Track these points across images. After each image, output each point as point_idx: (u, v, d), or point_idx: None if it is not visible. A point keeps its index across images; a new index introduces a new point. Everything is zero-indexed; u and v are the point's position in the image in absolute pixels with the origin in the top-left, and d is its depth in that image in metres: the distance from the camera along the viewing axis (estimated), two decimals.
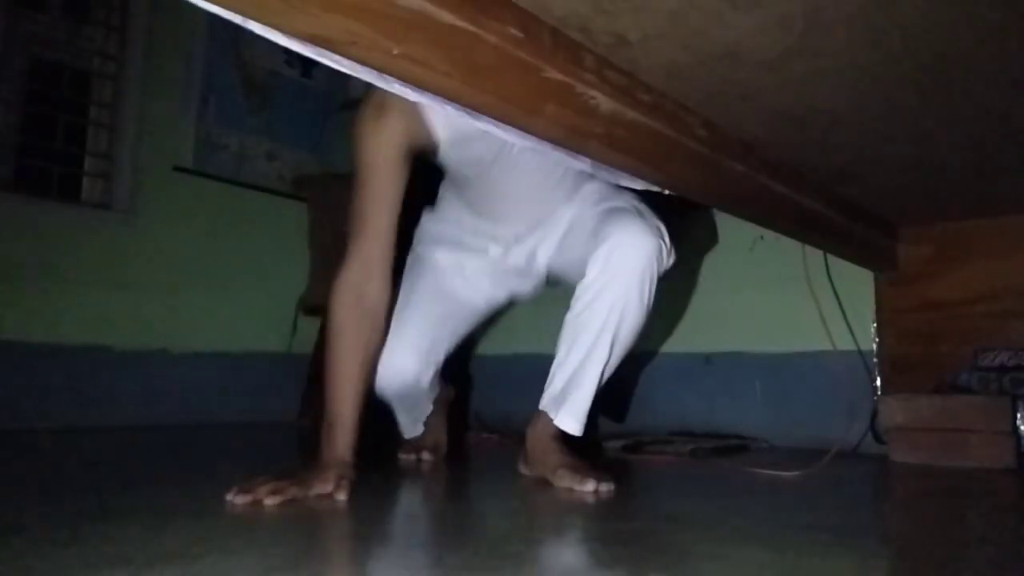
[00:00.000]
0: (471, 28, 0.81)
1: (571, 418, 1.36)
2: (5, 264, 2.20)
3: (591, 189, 1.51)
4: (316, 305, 2.40)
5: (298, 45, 0.76)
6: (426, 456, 1.63)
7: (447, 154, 1.40)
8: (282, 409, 2.66)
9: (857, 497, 1.41)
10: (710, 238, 2.29)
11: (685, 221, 2.21)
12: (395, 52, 0.76)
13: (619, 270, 1.32)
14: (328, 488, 1.10)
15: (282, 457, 1.86)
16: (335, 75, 3.45)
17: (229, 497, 1.02)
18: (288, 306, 2.73)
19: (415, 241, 1.64)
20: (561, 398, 1.36)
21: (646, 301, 1.34)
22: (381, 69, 0.80)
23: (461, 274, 1.59)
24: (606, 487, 1.24)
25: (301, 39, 0.74)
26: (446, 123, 1.32)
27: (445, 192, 1.66)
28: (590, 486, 1.24)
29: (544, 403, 1.39)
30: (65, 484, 1.27)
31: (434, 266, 1.59)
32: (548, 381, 1.40)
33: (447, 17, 0.78)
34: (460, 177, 1.52)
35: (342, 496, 1.09)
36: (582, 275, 1.37)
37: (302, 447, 2.05)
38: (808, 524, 1.03)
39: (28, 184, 2.35)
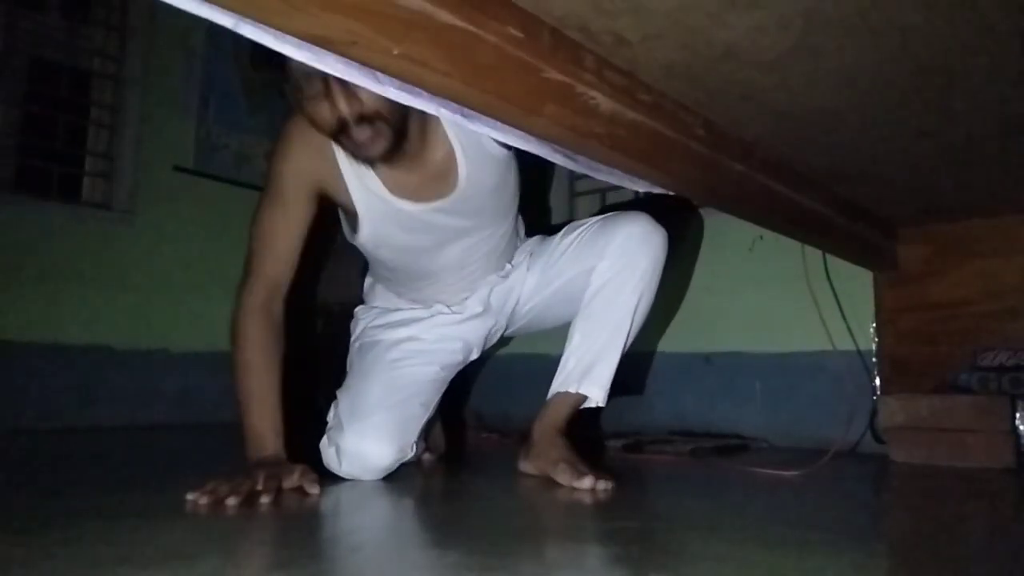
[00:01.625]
0: (471, 28, 0.81)
1: (597, 387, 1.38)
2: (5, 264, 2.20)
3: (537, 238, 1.59)
4: (317, 306, 2.40)
5: (290, 50, 0.76)
6: (425, 456, 1.63)
7: (365, 224, 1.33)
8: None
9: (857, 497, 1.41)
10: (699, 238, 2.29)
11: (675, 219, 2.21)
12: (395, 52, 0.76)
13: (638, 255, 1.39)
14: (294, 480, 1.12)
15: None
16: None
17: (191, 497, 1.03)
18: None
19: (354, 337, 1.56)
20: (585, 371, 1.38)
21: (657, 286, 1.43)
22: (381, 69, 0.81)
23: (417, 350, 1.46)
24: (604, 486, 1.24)
25: (301, 39, 0.74)
26: (363, 195, 1.30)
27: (373, 285, 1.60)
28: (587, 483, 1.24)
29: (560, 383, 1.40)
30: (65, 484, 1.27)
31: (387, 348, 1.45)
32: (561, 365, 1.41)
33: (447, 17, 0.78)
34: (381, 263, 1.48)
35: (315, 489, 1.13)
36: (574, 296, 1.44)
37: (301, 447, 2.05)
38: (808, 524, 1.03)
39: (28, 184, 2.35)
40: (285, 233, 1.25)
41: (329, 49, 0.76)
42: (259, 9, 0.69)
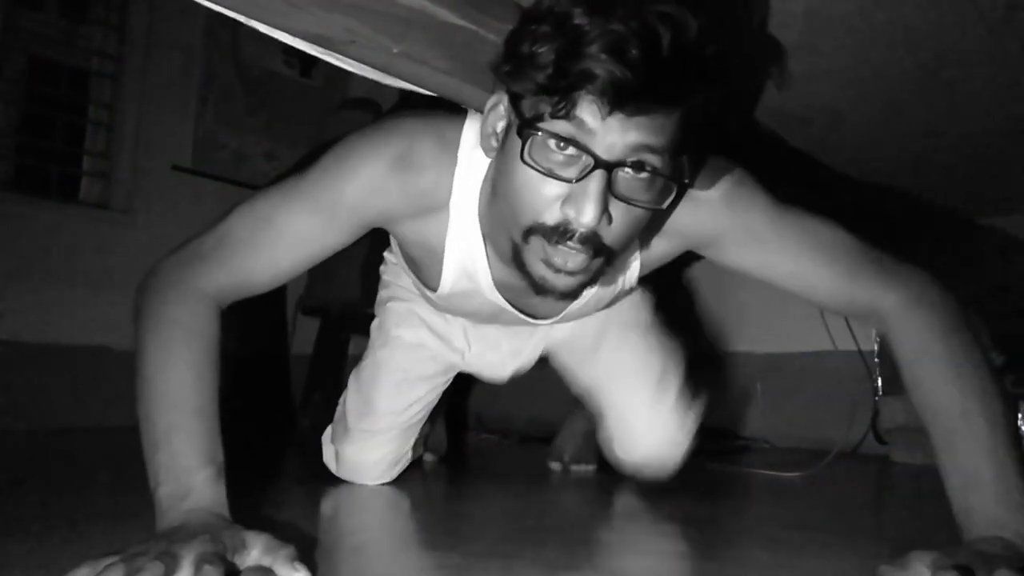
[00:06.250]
0: (471, 26, 0.80)
1: None
2: (4, 264, 2.19)
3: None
4: (315, 306, 2.40)
5: (302, 44, 0.76)
6: (426, 457, 1.63)
7: (440, 286, 1.00)
8: (281, 410, 2.66)
9: (857, 497, 1.41)
10: None
11: None
12: (395, 51, 0.76)
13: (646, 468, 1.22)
14: (252, 558, 0.63)
15: (280, 457, 1.86)
16: (334, 75, 3.41)
17: None
18: (287, 306, 2.73)
19: (384, 293, 1.32)
20: None
21: None
22: (381, 68, 0.80)
23: (429, 356, 1.26)
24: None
25: (300, 38, 0.74)
26: (458, 271, 0.96)
27: (396, 264, 1.26)
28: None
29: None
30: (65, 485, 1.27)
31: (403, 349, 1.26)
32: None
33: (447, 15, 0.78)
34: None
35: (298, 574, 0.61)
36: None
37: (301, 448, 2.05)
38: (808, 524, 1.02)
39: (26, 183, 2.34)
40: (302, 246, 0.86)
41: (329, 48, 0.76)
42: (259, 8, 0.69)
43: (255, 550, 0.63)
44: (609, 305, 1.13)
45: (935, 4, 0.88)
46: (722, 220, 0.88)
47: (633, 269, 1.00)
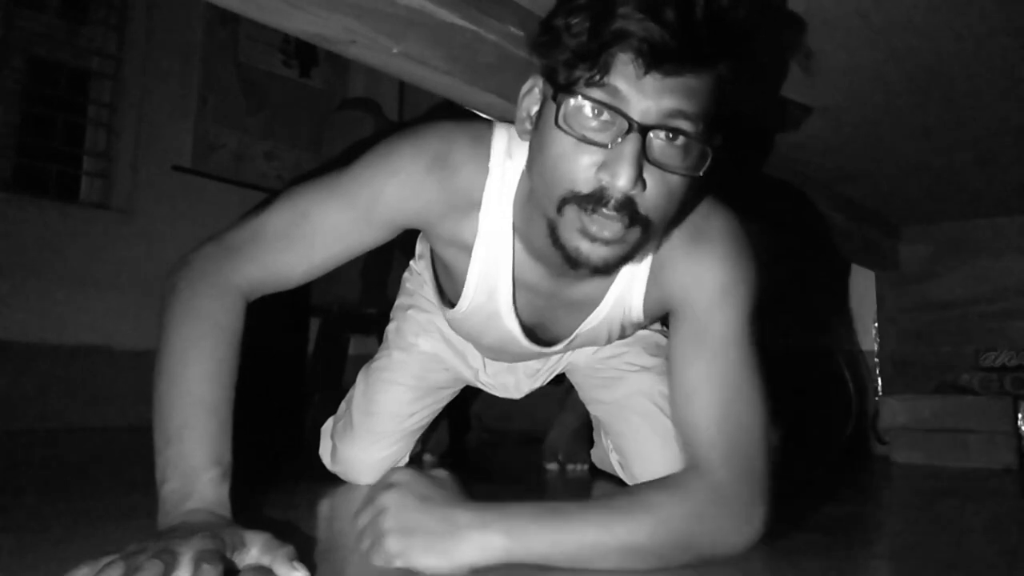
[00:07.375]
0: (471, 27, 0.81)
1: None
2: (4, 264, 2.20)
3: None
4: (315, 305, 2.40)
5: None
6: (426, 457, 1.62)
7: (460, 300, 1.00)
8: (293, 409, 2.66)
9: (857, 497, 1.41)
10: None
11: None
12: (394, 51, 0.76)
13: None
14: (252, 557, 0.63)
15: (281, 457, 1.86)
16: (333, 75, 3.41)
17: None
18: (287, 306, 2.73)
19: (404, 298, 1.34)
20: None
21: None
22: (381, 68, 0.80)
23: (442, 367, 1.28)
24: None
25: (300, 37, 0.74)
26: (481, 283, 0.95)
27: (424, 268, 1.26)
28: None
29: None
30: (65, 484, 1.27)
31: (417, 357, 1.27)
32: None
33: (447, 16, 0.78)
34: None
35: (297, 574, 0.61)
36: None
37: (301, 447, 2.05)
38: (808, 524, 1.02)
39: (26, 183, 2.35)
40: (336, 242, 0.87)
41: (329, 48, 0.76)
42: (258, 7, 0.69)
43: (254, 549, 0.63)
44: (620, 336, 1.10)
45: (935, 5, 0.88)
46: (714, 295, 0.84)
47: (637, 290, 0.94)
